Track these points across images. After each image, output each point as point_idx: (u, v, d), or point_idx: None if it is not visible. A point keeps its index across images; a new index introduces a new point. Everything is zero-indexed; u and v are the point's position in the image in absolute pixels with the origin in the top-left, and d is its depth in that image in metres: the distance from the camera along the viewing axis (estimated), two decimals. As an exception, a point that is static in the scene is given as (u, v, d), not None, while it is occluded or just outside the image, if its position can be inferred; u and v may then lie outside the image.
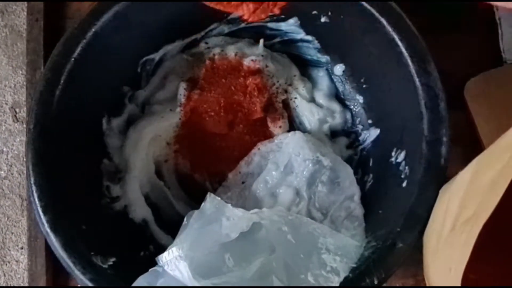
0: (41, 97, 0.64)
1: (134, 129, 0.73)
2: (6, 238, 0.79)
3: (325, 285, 0.58)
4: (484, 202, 0.47)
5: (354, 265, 0.60)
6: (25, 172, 0.79)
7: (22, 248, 0.78)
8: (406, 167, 0.64)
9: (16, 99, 0.82)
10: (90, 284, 0.60)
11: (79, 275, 0.60)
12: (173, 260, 0.56)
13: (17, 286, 0.77)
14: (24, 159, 0.78)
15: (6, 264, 0.78)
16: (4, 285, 0.77)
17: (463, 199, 0.52)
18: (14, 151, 0.81)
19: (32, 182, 0.61)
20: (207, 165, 0.74)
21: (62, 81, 0.64)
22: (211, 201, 0.61)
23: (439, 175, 0.61)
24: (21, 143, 0.81)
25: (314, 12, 0.71)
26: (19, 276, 0.78)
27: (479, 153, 0.71)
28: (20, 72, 0.83)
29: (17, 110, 0.82)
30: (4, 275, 0.78)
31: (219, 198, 0.62)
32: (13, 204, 0.79)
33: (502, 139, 0.51)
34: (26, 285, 0.75)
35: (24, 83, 0.81)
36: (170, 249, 0.57)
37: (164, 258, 0.57)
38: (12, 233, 0.79)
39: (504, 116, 0.72)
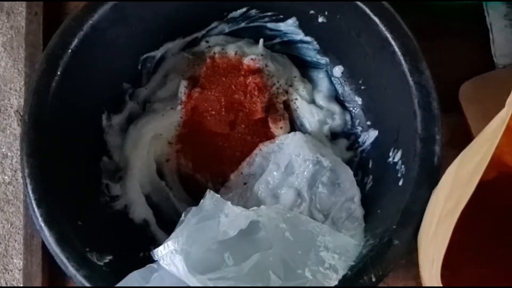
0: (37, 87, 0.62)
1: (134, 127, 0.71)
2: (8, 246, 0.75)
3: (323, 281, 0.56)
4: (463, 193, 0.47)
5: (353, 263, 0.58)
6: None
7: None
8: (402, 166, 0.63)
9: (21, 103, 0.79)
10: (84, 281, 0.57)
11: (72, 271, 0.57)
12: (168, 254, 0.54)
13: (13, 286, 0.73)
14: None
15: (8, 273, 0.74)
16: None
17: (448, 192, 0.52)
18: (19, 156, 0.77)
19: (26, 174, 0.59)
20: (209, 165, 0.72)
21: (58, 73, 0.62)
22: (210, 198, 0.60)
23: (433, 173, 0.59)
24: (27, 147, 0.78)
25: (312, 12, 0.70)
26: (21, 285, 0.73)
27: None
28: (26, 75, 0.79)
29: (22, 114, 0.78)
30: (6, 284, 0.74)
31: (219, 195, 0.60)
32: (17, 210, 0.76)
33: (483, 133, 0.52)
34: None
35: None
36: (166, 243, 0.55)
37: (160, 252, 0.55)
38: (16, 240, 0.75)
39: (497, 119, 0.71)
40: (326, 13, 0.69)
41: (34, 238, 0.70)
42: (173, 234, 0.57)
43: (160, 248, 0.55)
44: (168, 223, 0.68)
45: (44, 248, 0.69)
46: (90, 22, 0.63)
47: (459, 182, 0.50)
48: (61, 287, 0.72)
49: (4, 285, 0.74)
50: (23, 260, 0.71)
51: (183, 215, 0.59)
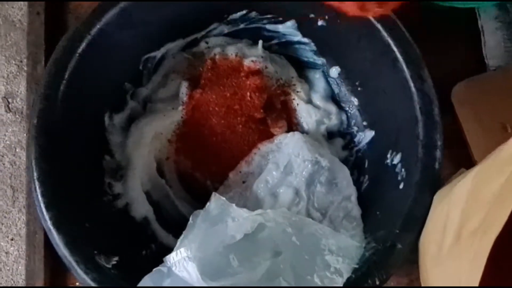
0: (45, 92, 0.61)
1: (136, 126, 0.70)
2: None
3: (330, 286, 0.56)
4: (491, 214, 0.46)
5: (356, 266, 0.59)
6: (16, 162, 0.76)
7: (12, 239, 0.74)
8: (403, 170, 0.63)
9: (9, 89, 0.79)
10: (93, 284, 0.57)
11: (81, 275, 0.57)
12: (181, 261, 0.54)
13: (17, 286, 0.73)
14: (16, 150, 0.76)
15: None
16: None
17: (465, 210, 0.51)
18: (6, 141, 0.77)
19: (35, 177, 0.59)
20: (208, 163, 0.71)
21: (66, 76, 0.62)
22: (216, 201, 0.59)
23: (434, 178, 0.60)
24: (13, 133, 0.77)
25: (312, 15, 0.69)
26: (8, 268, 0.74)
27: (467, 155, 0.70)
28: (13, 62, 0.79)
29: (10, 100, 0.78)
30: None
31: (224, 199, 0.60)
32: (4, 194, 0.76)
33: (503, 151, 0.50)
34: (17, 277, 0.73)
35: (18, 73, 0.78)
36: (178, 250, 0.54)
37: (172, 258, 0.54)
38: (2, 224, 0.75)
39: (489, 120, 0.71)
40: (326, 17, 0.68)
41: (37, 235, 0.70)
42: (184, 241, 0.56)
43: (172, 254, 0.54)
44: (168, 221, 0.69)
45: (47, 245, 0.69)
46: (98, 26, 0.63)
47: (480, 201, 0.49)
48: (64, 286, 0.71)
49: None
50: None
51: (190, 219, 0.59)
